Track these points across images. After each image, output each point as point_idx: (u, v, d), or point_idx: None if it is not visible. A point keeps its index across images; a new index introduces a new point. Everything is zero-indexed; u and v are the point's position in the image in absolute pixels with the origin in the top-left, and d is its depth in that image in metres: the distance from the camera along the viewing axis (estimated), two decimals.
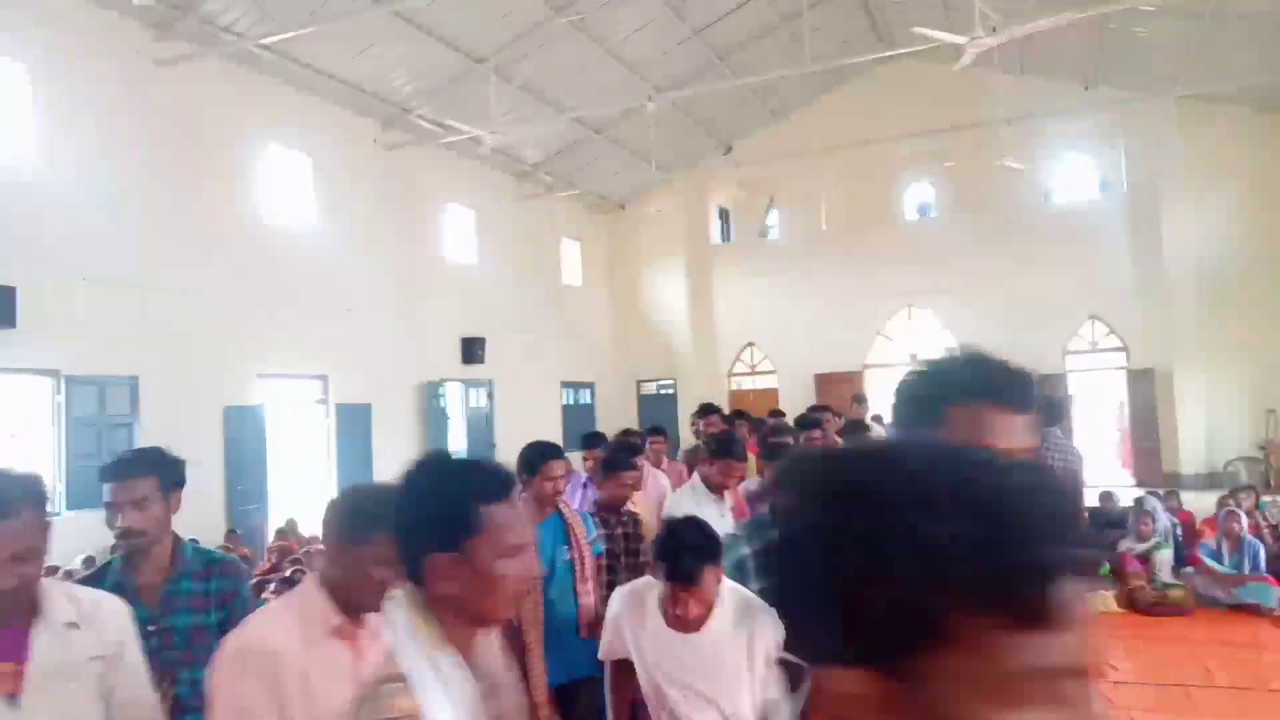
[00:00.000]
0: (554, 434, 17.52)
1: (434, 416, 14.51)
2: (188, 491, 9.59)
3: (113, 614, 2.04)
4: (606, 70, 14.25)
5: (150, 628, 2.29)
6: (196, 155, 10.60)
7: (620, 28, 13.45)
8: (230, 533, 10.19)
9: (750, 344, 19.56)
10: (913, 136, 16.21)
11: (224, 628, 2.28)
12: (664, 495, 5.59)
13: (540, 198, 17.47)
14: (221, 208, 10.96)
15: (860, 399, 11.12)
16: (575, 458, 6.08)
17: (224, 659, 1.86)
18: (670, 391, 20.09)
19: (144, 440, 9.68)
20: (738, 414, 8.60)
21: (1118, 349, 16.96)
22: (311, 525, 11.23)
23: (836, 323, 18.02)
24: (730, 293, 19.27)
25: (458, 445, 14.97)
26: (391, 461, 13.17)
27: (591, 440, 6.04)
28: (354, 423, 12.77)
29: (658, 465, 6.33)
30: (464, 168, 15.44)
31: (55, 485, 9.03)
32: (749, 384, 19.71)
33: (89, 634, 1.94)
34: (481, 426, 15.67)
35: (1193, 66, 14.03)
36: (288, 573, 8.25)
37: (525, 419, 16.57)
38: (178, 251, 10.24)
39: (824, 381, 17.89)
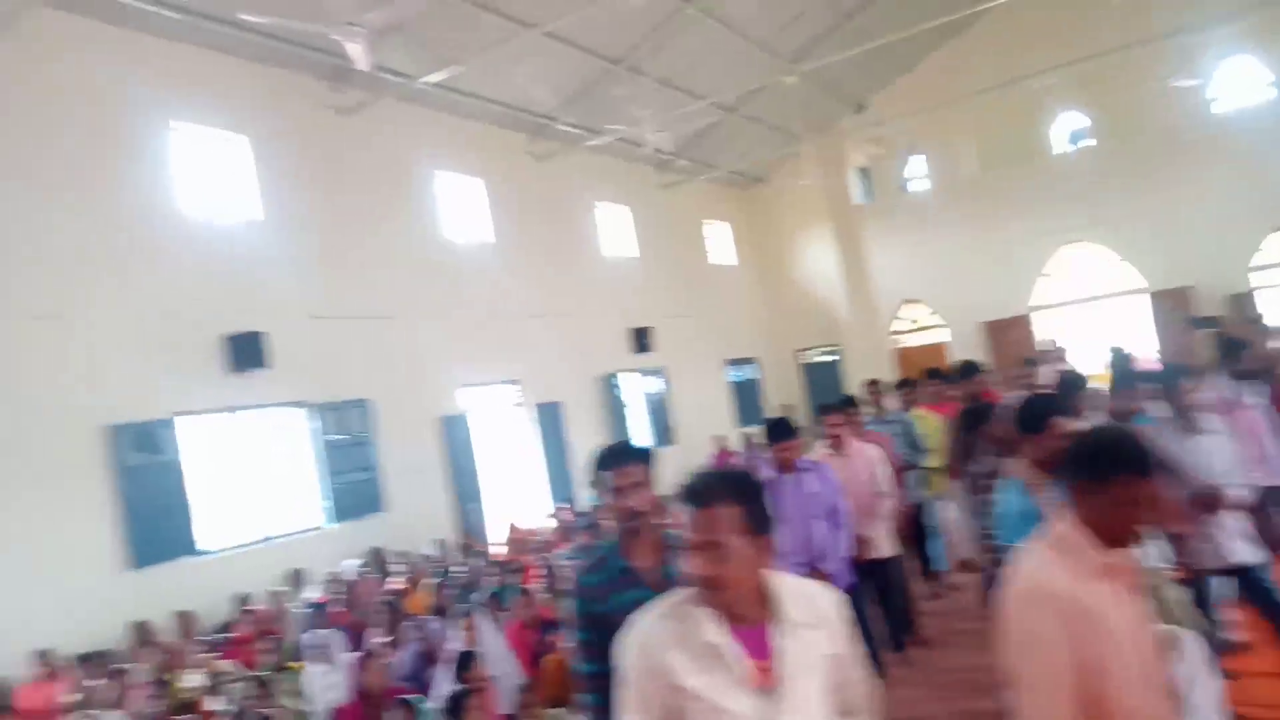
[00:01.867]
0: (723, 411, 18.11)
1: (614, 406, 15.27)
2: (418, 494, 10.82)
3: (833, 609, 2.09)
4: (736, 50, 14.52)
5: None
6: (385, 191, 11.66)
7: (745, 6, 13.69)
8: (464, 530, 11.19)
9: (909, 300, 19.38)
10: (1059, 68, 15.63)
11: None
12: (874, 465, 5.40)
13: (682, 184, 17.92)
14: (411, 236, 12.00)
15: (1030, 361, 10.79)
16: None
17: (1013, 598, 2.10)
18: (834, 358, 20.18)
19: (382, 454, 10.84)
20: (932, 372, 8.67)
21: None
22: (531, 519, 12.19)
23: (996, 268, 17.62)
24: (881, 251, 19.12)
25: (638, 431, 15.71)
26: (587, 453, 14.06)
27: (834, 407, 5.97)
28: (549, 420, 13.66)
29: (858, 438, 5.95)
30: (610, 166, 16.08)
31: (321, 501, 10.26)
32: (913, 341, 19.55)
33: (821, 633, 2.02)
34: (659, 411, 16.33)
35: None
36: (522, 561, 9.13)
37: (696, 400, 17.19)
38: (380, 282, 11.30)
39: (993, 329, 17.58)
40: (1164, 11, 14.56)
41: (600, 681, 2.38)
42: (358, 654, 5.47)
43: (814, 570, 4.04)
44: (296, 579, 9.16)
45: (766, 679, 1.89)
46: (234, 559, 9.32)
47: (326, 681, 5.95)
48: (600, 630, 2.39)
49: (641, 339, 15.82)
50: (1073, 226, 17.10)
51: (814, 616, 1.99)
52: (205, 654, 6.83)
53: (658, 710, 1.93)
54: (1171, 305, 15.81)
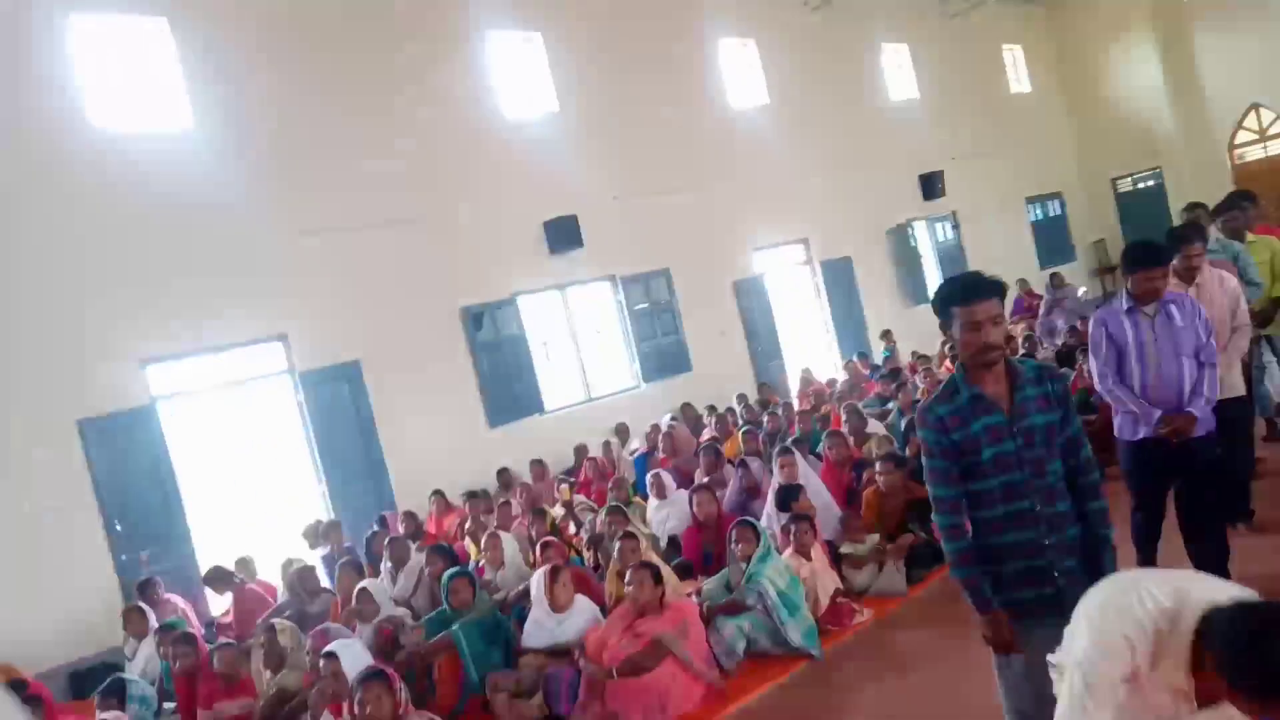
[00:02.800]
0: (1027, 253, 17.04)
1: (907, 257, 14.96)
2: (719, 354, 11.44)
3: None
4: None
5: (1013, 428, 2.58)
6: (668, 66, 12.07)
7: None
8: (761, 385, 11.85)
9: (1255, 106, 16.65)
10: None
11: (1064, 423, 2.63)
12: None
13: (971, 10, 16.50)
14: (694, 108, 12.37)
15: None
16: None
17: None
18: (1155, 183, 18.03)
19: (684, 318, 11.67)
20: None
21: None
22: (822, 372, 12.59)
23: None
24: (1218, 52, 16.50)
25: (932, 282, 15.31)
26: (877, 306, 14.09)
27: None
28: (838, 276, 13.77)
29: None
30: (889, 4, 15.21)
31: (632, 364, 11.36)
32: (1258, 153, 16.91)
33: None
34: (953, 259, 15.75)
35: None
36: (822, 410, 9.57)
37: (994, 243, 16.29)
38: (670, 157, 11.83)
39: None
40: None
41: (954, 504, 2.63)
42: (690, 489, 6.27)
43: (1180, 412, 3.85)
44: (623, 431, 10.35)
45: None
46: (569, 416, 10.70)
47: (663, 514, 6.88)
48: (954, 456, 2.61)
49: (931, 184, 15.18)
50: None
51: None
52: (562, 491, 8.09)
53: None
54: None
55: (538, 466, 9.28)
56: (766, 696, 4.45)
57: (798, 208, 13.24)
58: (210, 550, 7.97)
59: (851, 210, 13.97)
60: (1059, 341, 10.95)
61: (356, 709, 3.38)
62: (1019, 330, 12.28)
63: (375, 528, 7.90)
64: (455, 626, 4.90)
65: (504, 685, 4.53)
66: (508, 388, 10.20)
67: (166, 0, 8.43)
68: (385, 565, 6.59)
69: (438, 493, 8.86)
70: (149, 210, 8.06)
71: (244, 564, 7.49)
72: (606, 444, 9.48)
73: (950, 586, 5.29)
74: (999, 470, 2.59)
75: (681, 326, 11.67)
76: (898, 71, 15.77)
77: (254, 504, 8.76)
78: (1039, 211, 17.98)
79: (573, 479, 8.82)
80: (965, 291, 2.59)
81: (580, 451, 9.85)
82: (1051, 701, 2.20)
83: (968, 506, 2.67)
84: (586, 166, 10.98)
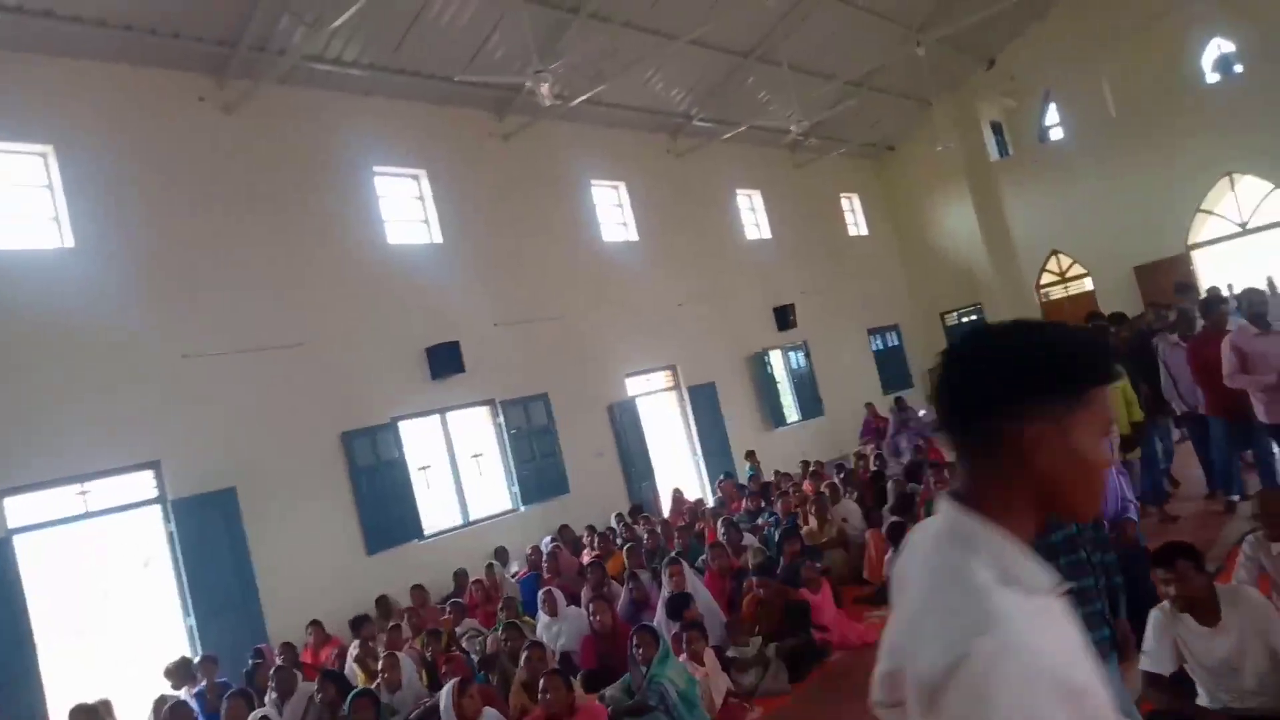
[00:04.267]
0: (871, 379, 18.49)
1: (764, 383, 16.00)
2: (595, 475, 11.82)
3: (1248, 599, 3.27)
4: (863, 27, 14.93)
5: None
6: (545, 206, 12.83)
7: None
8: (635, 505, 12.24)
9: (1055, 251, 19.15)
10: None
11: None
12: None
13: (814, 162, 18.39)
14: (570, 242, 13.14)
15: (1182, 287, 10.91)
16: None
17: None
18: (977, 317, 20.17)
19: (562, 441, 12.02)
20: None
21: None
22: (690, 491, 13.14)
23: (1147, 210, 17.20)
24: (1022, 205, 19.01)
25: (789, 406, 16.41)
26: (739, 428, 14.92)
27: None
28: (703, 400, 14.56)
29: None
30: (744, 154, 16.78)
31: (511, 487, 11.54)
32: (1059, 292, 19.32)
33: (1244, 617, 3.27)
34: (806, 384, 16.94)
35: None
36: (696, 527, 10.06)
37: (842, 370, 17.68)
38: (547, 287, 12.47)
39: (1144, 273, 17.20)
40: None
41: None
42: (588, 599, 6.51)
43: None
44: (503, 554, 10.43)
45: None
46: (447, 541, 10.69)
47: (555, 630, 7.05)
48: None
49: (784, 316, 16.45)
50: (1231, 157, 16.53)
51: None
52: (448, 616, 8.10)
53: None
54: None
55: (419, 592, 9.21)
56: None
57: (665, 336, 14.07)
58: (64, 694, 7.42)
59: (714, 339, 14.94)
60: (904, 459, 11.97)
61: None
62: (869, 450, 13.34)
63: (252, 661, 7.63)
64: None
65: None
66: (387, 513, 10.16)
67: (51, 129, 8.50)
68: (270, 697, 6.41)
69: (315, 623, 8.62)
70: (17, 333, 7.85)
71: (100, 708, 7.04)
72: (489, 566, 9.55)
73: (831, 681, 5.75)
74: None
75: (559, 449, 12.01)
76: (752, 214, 17.27)
77: (113, 642, 8.26)
78: (880, 342, 19.68)
79: (456, 602, 8.80)
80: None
81: (460, 576, 9.85)
82: None
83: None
84: (468, 295, 11.42)
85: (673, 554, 7.46)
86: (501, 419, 11.54)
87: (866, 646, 6.28)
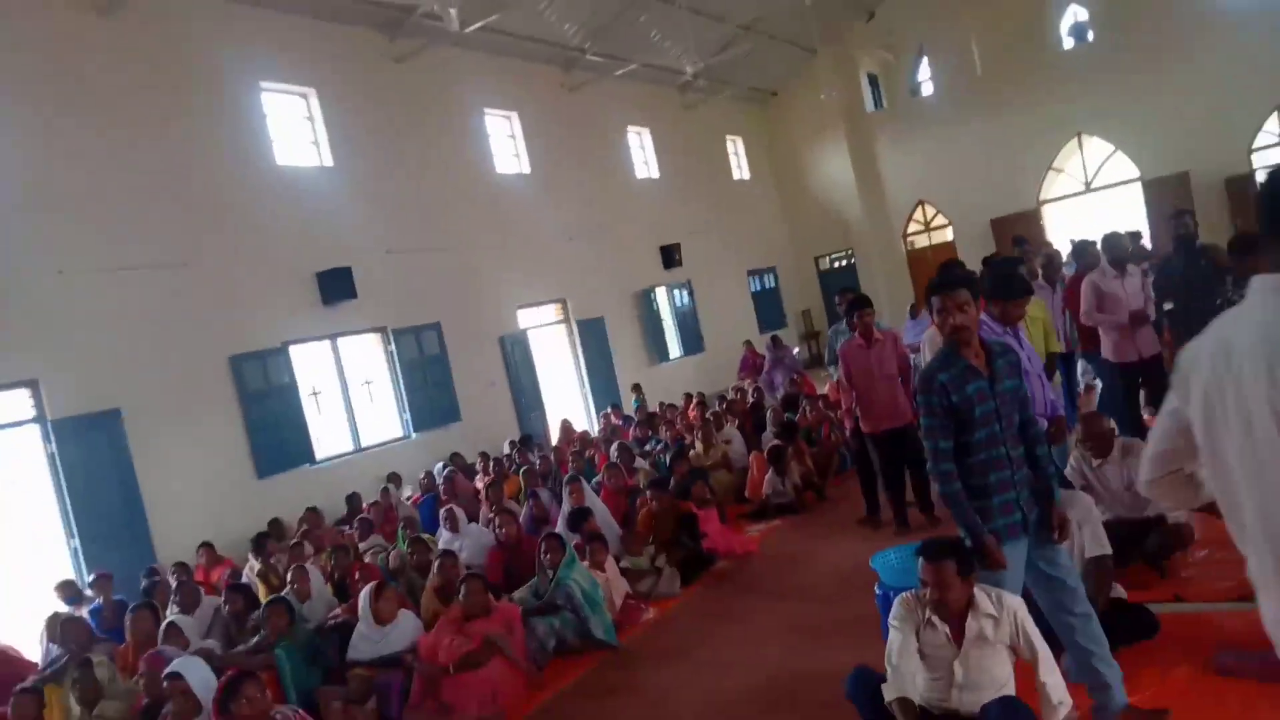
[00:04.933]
0: (748, 318, 19.30)
1: (650, 319, 16.52)
2: (486, 405, 12.24)
3: (1011, 607, 3.09)
4: None
5: (994, 389, 3.20)
6: (437, 132, 12.73)
7: None
8: (526, 435, 12.60)
9: (921, 202, 20.34)
10: None
11: (1017, 390, 3.30)
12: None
13: (702, 104, 18.76)
14: (465, 171, 13.12)
15: (1020, 240, 11.83)
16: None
17: None
18: (848, 262, 21.26)
19: (454, 371, 12.17)
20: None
21: None
22: (579, 422, 13.60)
23: (1005, 165, 18.48)
24: (893, 156, 20.02)
25: (673, 342, 17.02)
26: (625, 362, 15.42)
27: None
28: (592, 334, 14.95)
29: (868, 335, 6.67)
30: (636, 92, 16.97)
31: (403, 414, 11.66)
32: (924, 241, 20.58)
33: (1002, 626, 3.06)
34: (689, 322, 17.58)
35: None
36: (586, 453, 10.52)
37: (722, 309, 18.42)
38: (441, 216, 12.46)
39: (999, 225, 18.53)
40: None
41: (950, 454, 3.18)
42: (494, 513, 6.88)
43: None
44: (396, 479, 10.61)
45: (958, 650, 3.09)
46: (339, 466, 10.78)
47: (456, 545, 7.38)
48: (953, 413, 3.17)
49: (670, 255, 16.95)
50: (1081, 118, 17.89)
51: (999, 611, 3.09)
52: (354, 531, 8.31)
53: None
54: (1169, 192, 16.64)
55: (314, 514, 9.33)
56: (578, 682, 5.17)
57: (557, 270, 14.31)
58: None
59: (604, 274, 15.28)
60: (779, 393, 12.74)
61: (236, 707, 3.62)
62: (748, 384, 14.10)
63: (148, 580, 7.63)
64: (276, 649, 5.14)
65: (335, 696, 4.87)
66: (277, 438, 10.14)
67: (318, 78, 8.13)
68: (173, 611, 6.50)
69: (206, 544, 8.63)
70: None
71: None
72: (385, 489, 9.74)
73: (717, 585, 6.36)
74: (983, 424, 3.18)
75: (451, 378, 12.17)
76: (642, 152, 17.54)
77: None
78: (758, 283, 20.50)
79: (364, 519, 8.97)
80: (939, 285, 3.27)
81: (353, 500, 10.01)
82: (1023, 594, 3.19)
83: (957, 455, 3.21)
84: (360, 221, 11.31)
85: (570, 474, 7.89)
86: (393, 347, 11.59)
87: (748, 554, 6.94)
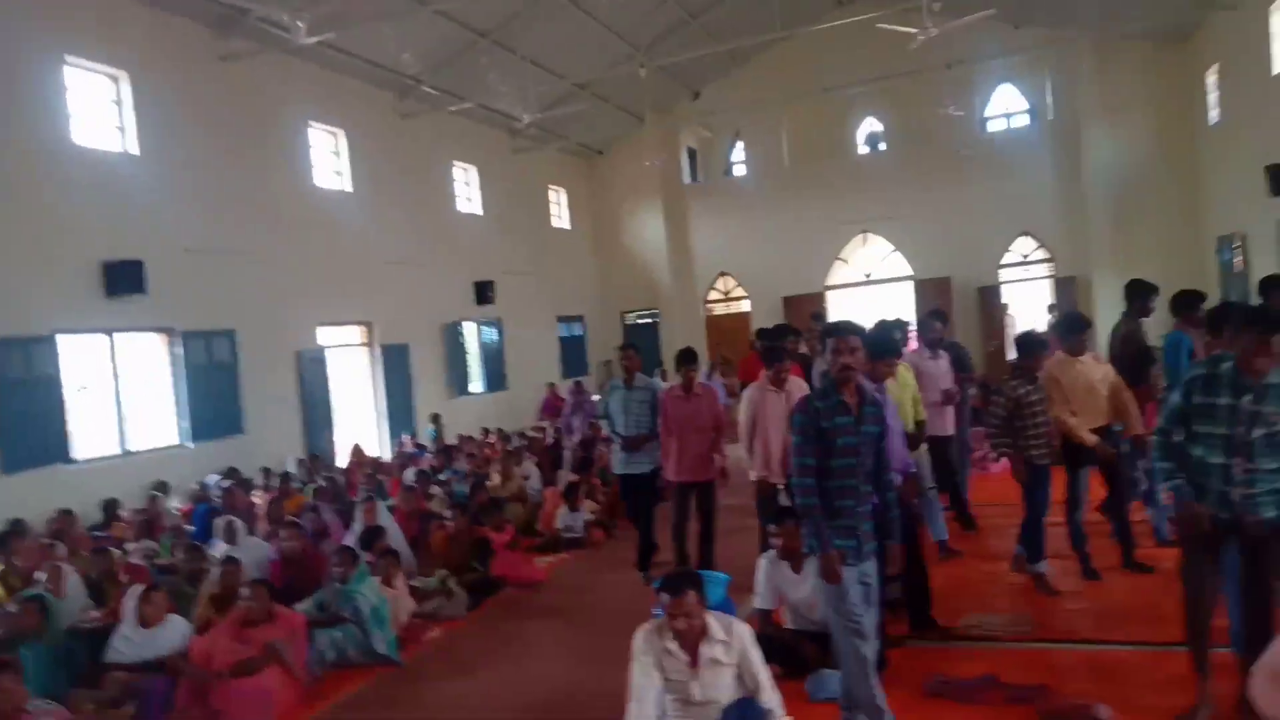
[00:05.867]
0: (554, 362, 19.71)
1: (455, 352, 16.51)
2: (274, 420, 11.94)
3: (740, 635, 3.52)
4: (595, 36, 15.99)
5: (857, 429, 3.64)
6: (257, 137, 12.29)
7: None
8: (313, 455, 12.19)
9: (723, 273, 21.72)
10: (862, 83, 18.19)
11: (881, 435, 3.76)
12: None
13: (531, 151, 19.20)
14: (280, 180, 12.70)
15: (817, 315, 13.04)
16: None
17: None
18: (653, 320, 22.24)
19: (243, 381, 11.63)
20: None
21: (1046, 260, 19.40)
22: (370, 447, 13.35)
23: (800, 249, 20.19)
24: (703, 227, 21.30)
25: (475, 377, 17.08)
26: (426, 391, 15.28)
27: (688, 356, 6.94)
28: (395, 360, 14.74)
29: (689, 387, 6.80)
30: (467, 129, 17.15)
31: (180, 421, 10.97)
32: (722, 309, 21.94)
33: (732, 650, 3.48)
34: (495, 359, 17.70)
35: (1106, 7, 16.18)
36: (377, 477, 10.37)
37: (529, 350, 18.71)
38: (250, 221, 11.97)
39: (790, 303, 20.11)
40: (945, 46, 17.02)
41: (813, 470, 3.60)
42: (281, 525, 6.67)
43: None
44: (163, 488, 9.95)
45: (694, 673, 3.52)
46: (99, 469, 9.97)
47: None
48: (819, 438, 3.60)
49: (483, 291, 17.08)
50: (868, 218, 19.94)
51: (728, 636, 3.54)
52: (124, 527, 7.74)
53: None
54: (934, 292, 18.84)
55: (66, 516, 8.57)
56: (356, 695, 5.15)
57: (365, 292, 14.05)
58: None
59: (414, 302, 15.17)
60: (576, 437, 13.12)
61: None
62: (548, 425, 14.42)
63: None
64: (21, 648, 4.78)
65: (89, 699, 4.59)
66: (31, 432, 9.26)
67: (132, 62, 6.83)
68: None
69: None
70: None
71: None
72: (153, 497, 9.12)
73: (503, 610, 6.52)
74: (842, 454, 3.62)
75: (240, 389, 11.61)
76: (466, 187, 17.68)
77: None
78: (566, 329, 20.98)
79: (145, 520, 8.37)
80: (838, 329, 3.73)
81: (111, 506, 9.30)
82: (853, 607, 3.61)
83: (818, 478, 3.64)
84: (161, 214, 10.68)
85: (365, 494, 7.81)
86: (180, 349, 10.93)
87: (536, 584, 7.17)
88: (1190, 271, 17.57)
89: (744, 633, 3.54)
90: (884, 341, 5.13)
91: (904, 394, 5.88)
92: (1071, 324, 6.03)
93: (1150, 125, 18.23)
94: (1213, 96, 16.87)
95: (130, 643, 4.90)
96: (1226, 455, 3.48)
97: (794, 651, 4.43)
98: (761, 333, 9.38)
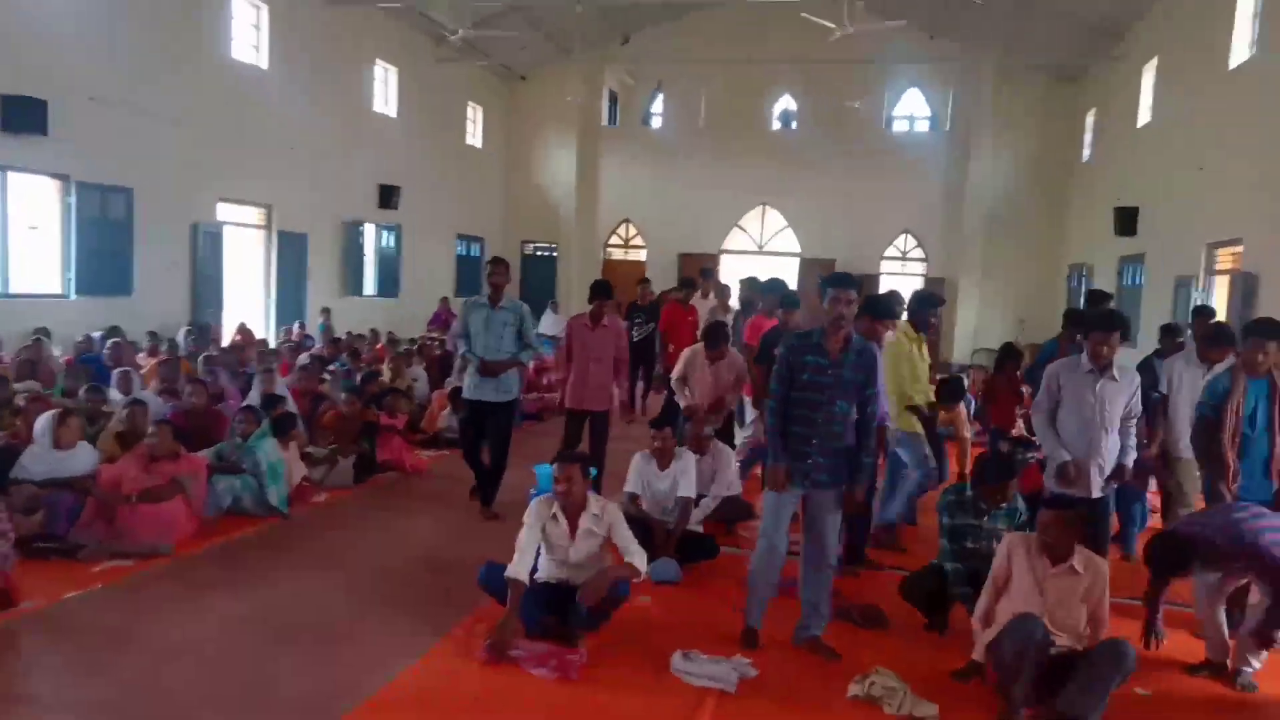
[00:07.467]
0: (448, 278, 19.95)
1: (353, 251, 16.56)
2: (164, 286, 12.04)
3: (610, 510, 4.27)
4: None
5: (830, 372, 4.02)
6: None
7: None
8: (201, 326, 12.18)
9: (626, 220, 22.33)
10: (784, 61, 18.98)
11: (867, 383, 4.10)
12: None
13: (455, 62, 19.12)
14: (195, 46, 12.43)
15: (707, 271, 13.77)
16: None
17: None
18: (551, 255, 22.68)
19: (138, 243, 11.52)
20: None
21: (921, 259, 20.94)
22: (257, 329, 13.44)
23: (702, 210, 21.01)
24: (613, 171, 21.77)
25: (370, 279, 17.18)
26: (319, 285, 15.35)
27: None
28: (292, 248, 14.73)
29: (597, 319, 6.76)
30: (393, 29, 16.99)
31: (64, 273, 10.82)
32: (620, 255, 22.59)
33: (602, 522, 4.23)
34: (390, 265, 17.81)
35: (1013, 32, 17.47)
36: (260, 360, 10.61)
37: (425, 261, 18.88)
38: (161, 82, 11.74)
39: (685, 260, 20.97)
40: (864, 42, 17.82)
41: (783, 396, 4.05)
42: (188, 380, 6.97)
43: None
44: (44, 334, 9.88)
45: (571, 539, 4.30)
46: None
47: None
48: (792, 369, 4.03)
49: (388, 195, 17.12)
50: (770, 191, 20.92)
51: (601, 512, 4.34)
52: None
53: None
54: (818, 272, 20.01)
55: None
56: (249, 536, 5.66)
57: (269, 175, 13.96)
58: None
59: (317, 194, 15.13)
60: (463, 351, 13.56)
61: None
62: (438, 336, 14.80)
63: None
64: None
65: None
66: None
67: None
68: None
69: None
70: None
71: None
72: (38, 341, 9.10)
73: (386, 488, 7.09)
74: (806, 389, 4.03)
75: (132, 249, 11.49)
76: (385, 88, 17.53)
77: None
78: (464, 248, 21.17)
79: (28, 360, 8.37)
80: (836, 281, 4.07)
81: None
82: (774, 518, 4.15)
83: (786, 404, 4.09)
84: (70, 58, 10.39)
85: (265, 363, 8.15)
86: (74, 199, 10.73)
87: (418, 471, 7.75)
88: (1042, 291, 19.55)
89: (614, 509, 4.34)
90: (885, 305, 5.62)
91: (921, 367, 6.06)
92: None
93: (1032, 152, 19.89)
94: (1087, 136, 18.60)
95: (41, 460, 5.21)
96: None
97: (648, 531, 5.22)
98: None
